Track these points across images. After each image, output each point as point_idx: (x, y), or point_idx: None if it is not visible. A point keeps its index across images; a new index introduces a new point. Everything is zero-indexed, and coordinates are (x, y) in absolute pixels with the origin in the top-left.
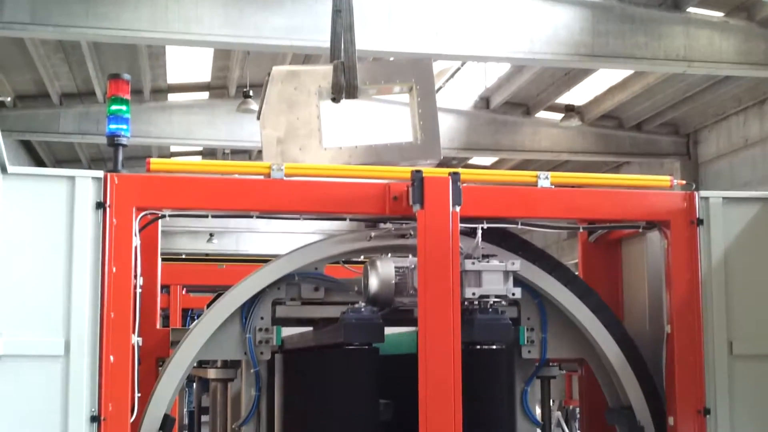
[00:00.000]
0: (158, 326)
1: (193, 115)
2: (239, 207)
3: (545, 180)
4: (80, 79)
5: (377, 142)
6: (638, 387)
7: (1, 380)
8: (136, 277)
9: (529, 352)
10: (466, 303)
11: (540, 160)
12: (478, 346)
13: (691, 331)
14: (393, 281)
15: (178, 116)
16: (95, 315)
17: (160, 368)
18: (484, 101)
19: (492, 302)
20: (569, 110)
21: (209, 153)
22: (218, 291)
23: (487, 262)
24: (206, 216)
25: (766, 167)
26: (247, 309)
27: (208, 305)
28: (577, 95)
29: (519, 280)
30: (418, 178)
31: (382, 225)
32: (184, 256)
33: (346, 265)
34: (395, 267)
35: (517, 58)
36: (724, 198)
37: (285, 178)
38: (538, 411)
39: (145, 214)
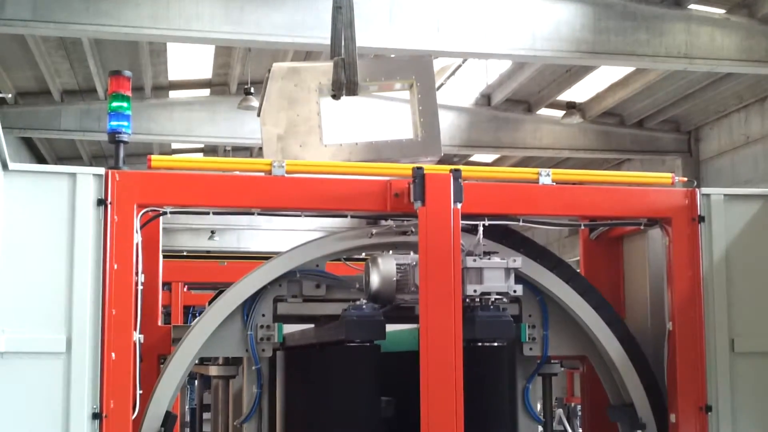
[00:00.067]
0: (160, 323)
1: (194, 112)
2: (240, 204)
3: (546, 177)
4: (81, 75)
5: (378, 139)
6: (640, 384)
7: (3, 377)
8: (137, 274)
9: (531, 349)
10: (467, 300)
11: (541, 158)
12: (480, 344)
13: (693, 328)
14: (394, 278)
15: (179, 113)
16: (97, 312)
17: (161, 365)
18: (486, 98)
19: (493, 299)
20: (571, 107)
21: (210, 150)
22: (220, 288)
23: (489, 259)
24: (207, 213)
25: (767, 164)
26: (248, 306)
27: (210, 302)
28: (579, 92)
29: (520, 277)
30: (419, 175)
31: (383, 222)
32: (185, 254)
33: (347, 262)
34: (396, 264)
35: (518, 55)
36: (725, 195)
37: (286, 175)
38: (539, 408)
39: (147, 211)
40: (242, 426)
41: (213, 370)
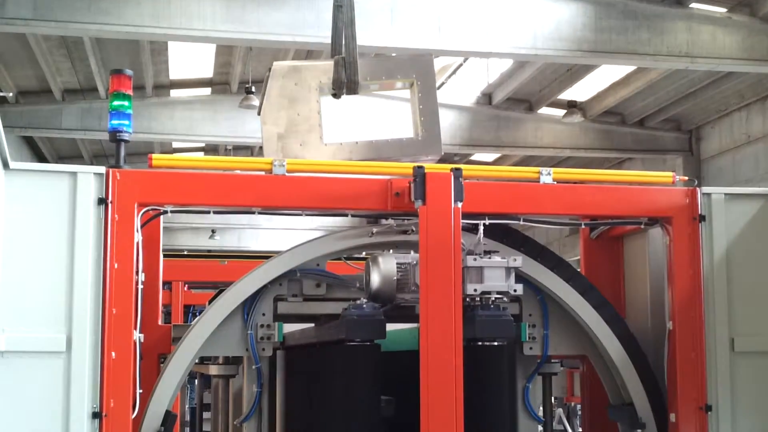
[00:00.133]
0: (160, 322)
1: (195, 111)
2: (241, 203)
3: (547, 176)
4: (82, 74)
5: (378, 138)
6: (640, 383)
7: (3, 376)
8: (137, 273)
9: (531, 348)
10: (467, 299)
11: (542, 157)
12: (480, 343)
13: (693, 327)
14: (395, 277)
15: (180, 112)
16: (97, 311)
17: (161, 364)
18: (487, 97)
19: (494, 298)
20: (572, 106)
21: (211, 149)
22: (220, 287)
23: (489, 258)
24: (208, 212)
25: None
26: (248, 305)
27: (210, 301)
28: (580, 91)
29: (521, 277)
30: (420, 174)
31: (383, 221)
32: (186, 253)
33: (347, 262)
34: (397, 263)
35: (519, 54)
36: (726, 194)
37: (287, 174)
38: (539, 408)
39: (147, 210)
40: (242, 425)
41: (213, 370)
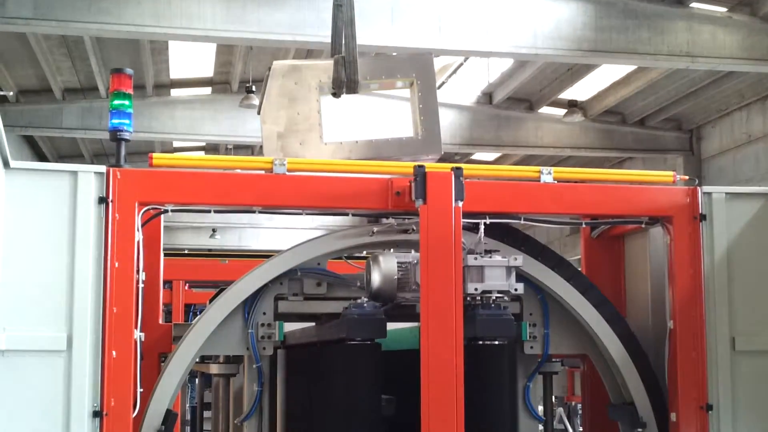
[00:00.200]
0: (161, 321)
1: (195, 110)
2: (242, 202)
3: (548, 175)
4: (83, 74)
5: (378, 137)
6: (640, 383)
7: (4, 375)
8: (138, 272)
9: (532, 347)
10: (468, 298)
11: (543, 156)
12: (481, 342)
13: (694, 326)
14: (395, 277)
15: (180, 111)
16: (98, 310)
17: (162, 363)
18: (487, 97)
19: (494, 298)
20: (572, 106)
21: (212, 148)
22: (221, 286)
23: (490, 257)
24: (208, 211)
25: None
26: (249, 304)
27: (211, 300)
28: (580, 91)
29: (521, 276)
30: (420, 174)
31: (384, 220)
32: (186, 252)
33: (348, 261)
34: (398, 262)
35: (520, 54)
36: (727, 193)
37: (287, 173)
38: (540, 407)
39: (148, 209)
40: (243, 424)
41: (214, 369)
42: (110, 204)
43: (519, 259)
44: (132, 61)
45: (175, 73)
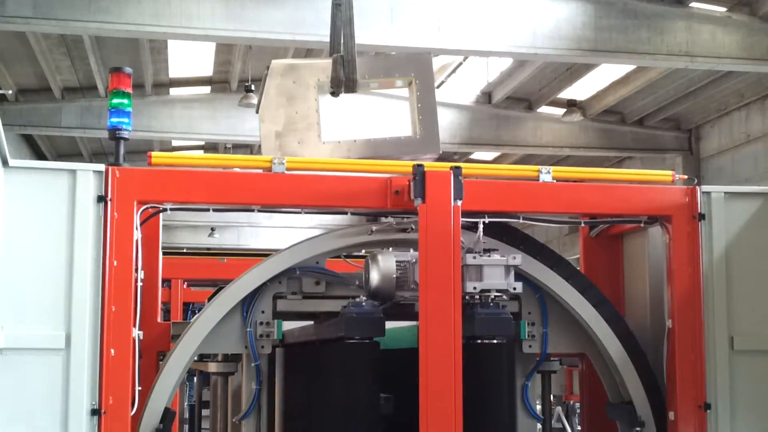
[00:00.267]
0: (159, 320)
1: (194, 109)
2: (240, 201)
3: (547, 174)
4: (82, 73)
5: (376, 136)
6: (639, 382)
7: (3, 373)
8: (137, 270)
9: (530, 346)
10: (467, 297)
11: (542, 155)
12: (479, 341)
13: (692, 326)
14: (394, 275)
15: (179, 110)
16: (96, 308)
17: (160, 362)
18: (486, 96)
19: (493, 297)
20: (571, 105)
21: (211, 147)
22: (219, 285)
23: (489, 256)
24: (207, 210)
25: (767, 163)
26: (248, 303)
27: (209, 299)
28: (580, 90)
29: (520, 275)
30: (419, 173)
31: (383, 219)
32: (185, 250)
33: (347, 260)
34: (396, 261)
35: (519, 53)
36: (726, 193)
37: (286, 172)
38: (538, 406)
39: (147, 208)
40: (241, 423)
41: (212, 367)
42: (109, 203)
43: (518, 258)
44: (131, 60)
45: (174, 72)
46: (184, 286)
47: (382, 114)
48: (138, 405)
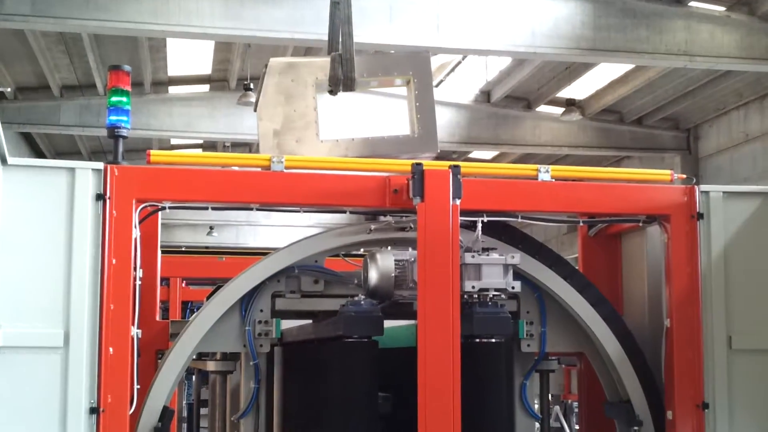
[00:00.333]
0: (158, 318)
1: (193, 107)
2: (239, 199)
3: (546, 174)
4: (81, 71)
5: (374, 135)
6: (637, 381)
7: (1, 371)
8: (135, 269)
9: (528, 345)
10: (465, 296)
11: (541, 154)
12: (478, 340)
13: (691, 325)
14: (393, 274)
15: (178, 109)
16: (95, 307)
17: (159, 360)
18: (485, 95)
19: (491, 295)
20: (570, 104)
21: (210, 146)
22: (218, 283)
23: (487, 255)
24: (206, 208)
25: (766, 162)
26: (246, 301)
27: (208, 297)
28: (578, 89)
29: (519, 274)
30: (418, 171)
31: (382, 218)
32: (184, 249)
33: (345, 258)
34: (395, 260)
35: (518, 52)
36: (724, 192)
37: (285, 171)
38: (536, 405)
39: (145, 206)
40: (239, 421)
41: (210, 366)
42: (108, 201)
43: (516, 257)
44: (130, 58)
45: (172, 71)
46: (183, 285)
47: (380, 113)
48: (136, 403)
